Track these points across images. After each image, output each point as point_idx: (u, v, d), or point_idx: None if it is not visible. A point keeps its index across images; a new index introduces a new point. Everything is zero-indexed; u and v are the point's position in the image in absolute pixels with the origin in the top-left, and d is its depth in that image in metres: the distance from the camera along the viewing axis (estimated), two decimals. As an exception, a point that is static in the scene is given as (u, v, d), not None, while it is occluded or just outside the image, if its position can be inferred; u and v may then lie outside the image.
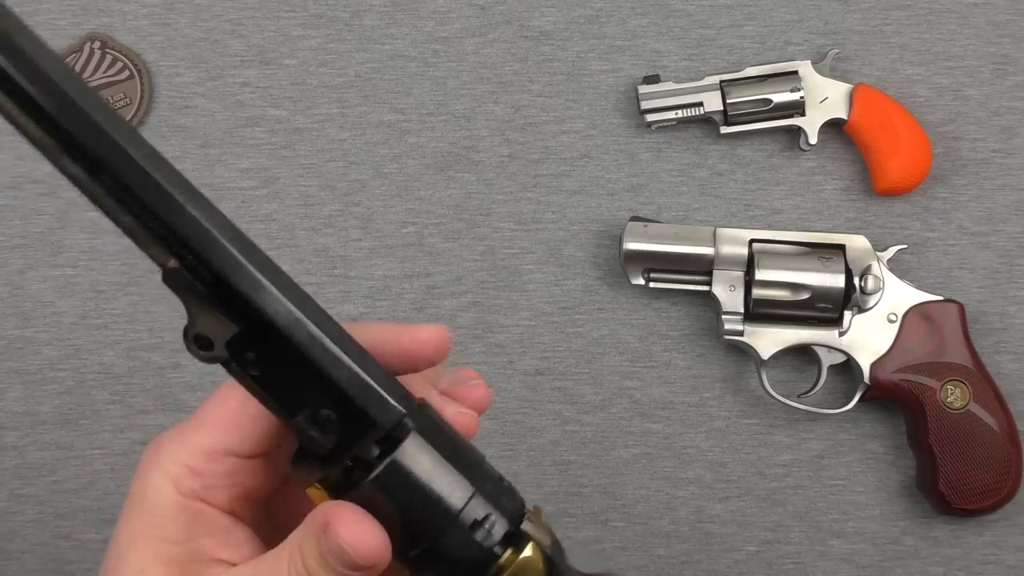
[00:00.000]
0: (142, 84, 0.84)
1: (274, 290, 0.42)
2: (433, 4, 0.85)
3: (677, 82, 0.82)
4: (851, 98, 0.81)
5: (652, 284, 0.80)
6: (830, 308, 0.77)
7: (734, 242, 0.79)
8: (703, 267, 0.79)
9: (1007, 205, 0.84)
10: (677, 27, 0.85)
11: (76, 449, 0.83)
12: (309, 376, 0.41)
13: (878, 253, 0.79)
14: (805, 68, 0.82)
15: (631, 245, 0.79)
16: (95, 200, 0.39)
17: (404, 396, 0.41)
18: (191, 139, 0.85)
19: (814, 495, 0.82)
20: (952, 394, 0.78)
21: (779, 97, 0.81)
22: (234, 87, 0.85)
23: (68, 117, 0.37)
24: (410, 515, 0.41)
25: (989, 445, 0.78)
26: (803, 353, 0.82)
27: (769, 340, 0.79)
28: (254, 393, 0.42)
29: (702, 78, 0.82)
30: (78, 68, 0.84)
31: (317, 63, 0.85)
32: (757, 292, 0.77)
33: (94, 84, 0.84)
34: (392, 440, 0.40)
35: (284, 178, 0.85)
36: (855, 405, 0.79)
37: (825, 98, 0.82)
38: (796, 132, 0.82)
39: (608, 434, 0.83)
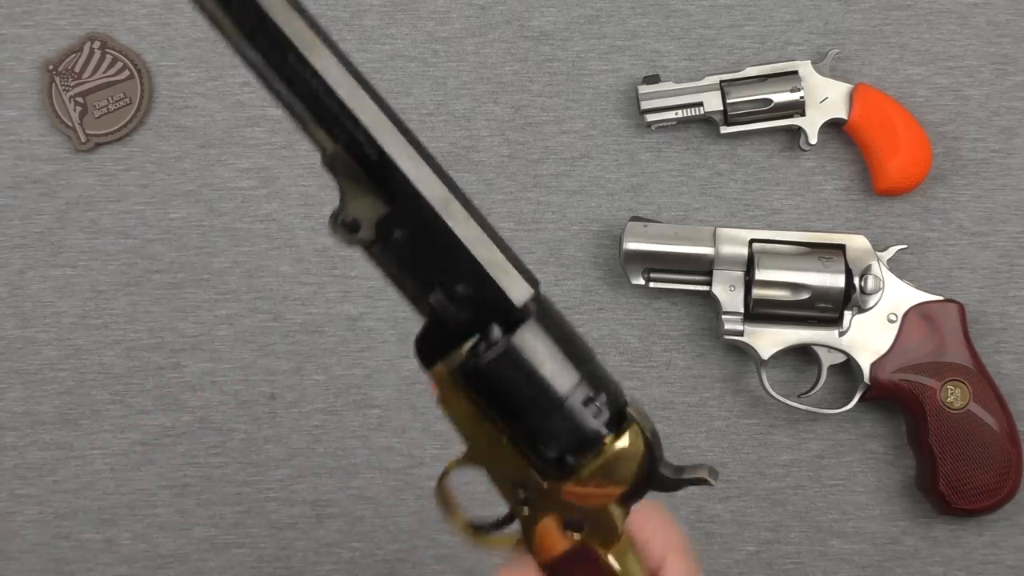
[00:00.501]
0: (142, 84, 0.84)
1: (429, 170, 0.44)
2: (433, 4, 0.85)
3: (677, 82, 0.82)
4: (851, 98, 0.81)
5: (652, 284, 0.80)
6: (830, 308, 0.77)
7: (734, 242, 0.79)
8: (703, 267, 0.79)
9: (1007, 205, 0.84)
10: (677, 27, 0.85)
11: (76, 449, 0.83)
12: (450, 254, 0.44)
13: (878, 253, 0.79)
14: (805, 68, 0.82)
15: (631, 245, 0.79)
16: (271, 87, 0.42)
17: (533, 280, 0.45)
18: (191, 139, 0.85)
19: (814, 495, 0.82)
20: (952, 394, 0.78)
21: (779, 97, 0.81)
22: (234, 87, 0.85)
23: (249, 8, 0.41)
24: (525, 391, 0.44)
25: (989, 445, 0.78)
26: (803, 353, 0.82)
27: (769, 340, 0.79)
28: (391, 275, 0.45)
29: (702, 78, 0.82)
30: (78, 68, 0.84)
31: (317, 63, 0.85)
32: (757, 292, 0.77)
33: (94, 84, 0.84)
34: (516, 321, 0.44)
35: (284, 178, 0.85)
36: (855, 405, 0.80)
37: (825, 98, 0.82)
38: (796, 132, 0.82)
39: (608, 434, 0.83)
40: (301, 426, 0.83)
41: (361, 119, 0.42)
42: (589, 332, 0.83)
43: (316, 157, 0.88)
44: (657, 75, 0.82)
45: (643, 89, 0.82)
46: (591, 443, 0.45)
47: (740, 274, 0.79)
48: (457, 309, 0.44)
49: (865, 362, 0.79)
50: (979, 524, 0.82)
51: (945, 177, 0.84)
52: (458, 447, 0.50)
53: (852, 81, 0.82)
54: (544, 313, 0.45)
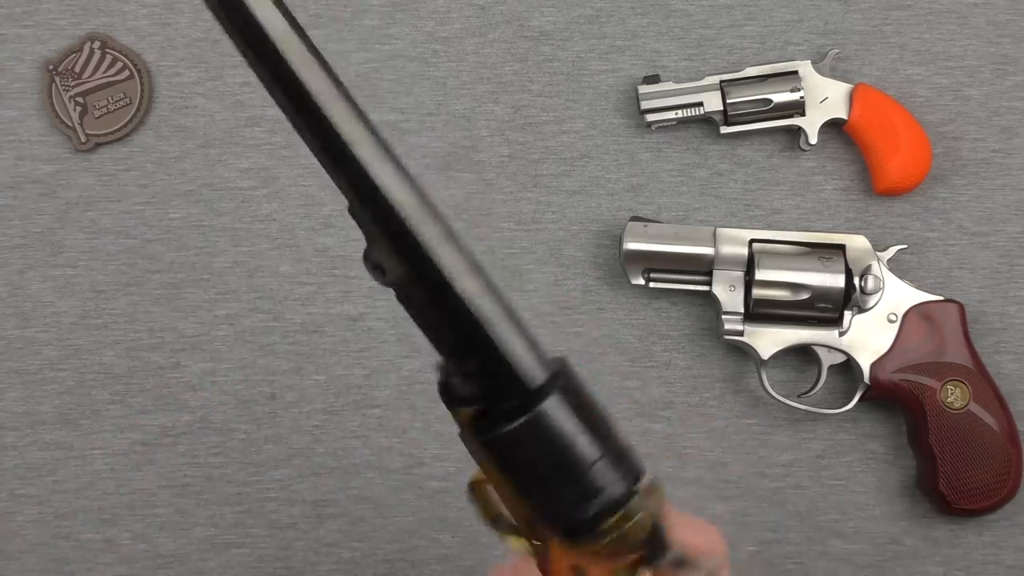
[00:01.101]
0: (142, 84, 0.84)
1: (450, 250, 0.44)
2: (433, 4, 0.85)
3: (677, 82, 0.82)
4: (851, 98, 0.81)
5: (652, 284, 0.80)
6: (830, 308, 0.77)
7: (734, 242, 0.79)
8: (703, 267, 0.79)
9: (1007, 205, 0.84)
10: (677, 27, 0.85)
11: (76, 449, 0.83)
12: (462, 326, 0.43)
13: (878, 253, 0.79)
14: (805, 68, 0.82)
15: (631, 245, 0.79)
16: (300, 135, 0.44)
17: (549, 363, 0.44)
18: (191, 139, 0.85)
19: (814, 495, 0.82)
20: (952, 394, 0.78)
21: (779, 97, 0.81)
22: (234, 87, 0.85)
23: (290, 79, 0.41)
24: (538, 467, 0.44)
25: (989, 445, 0.78)
26: (803, 353, 0.82)
27: (769, 340, 0.79)
28: (416, 321, 0.45)
29: (702, 78, 0.82)
30: (78, 68, 0.84)
31: (317, 63, 0.85)
32: (757, 292, 0.77)
33: (94, 84, 0.84)
34: (529, 401, 0.43)
35: (284, 178, 0.85)
36: (855, 405, 0.80)
37: (825, 98, 0.82)
38: (796, 132, 0.82)
39: (608, 434, 0.83)
40: (301, 426, 0.83)
41: (384, 196, 0.43)
42: (589, 332, 0.83)
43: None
44: (657, 75, 0.82)
45: (643, 89, 0.82)
46: (594, 524, 0.45)
47: (740, 274, 0.79)
48: (469, 381, 0.44)
49: (865, 362, 0.79)
50: (979, 524, 0.82)
51: (945, 177, 0.84)
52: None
53: (852, 81, 0.82)
54: (565, 390, 0.44)
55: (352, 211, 0.44)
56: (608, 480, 0.44)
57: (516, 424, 0.43)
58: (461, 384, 0.44)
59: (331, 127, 0.42)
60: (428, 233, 0.43)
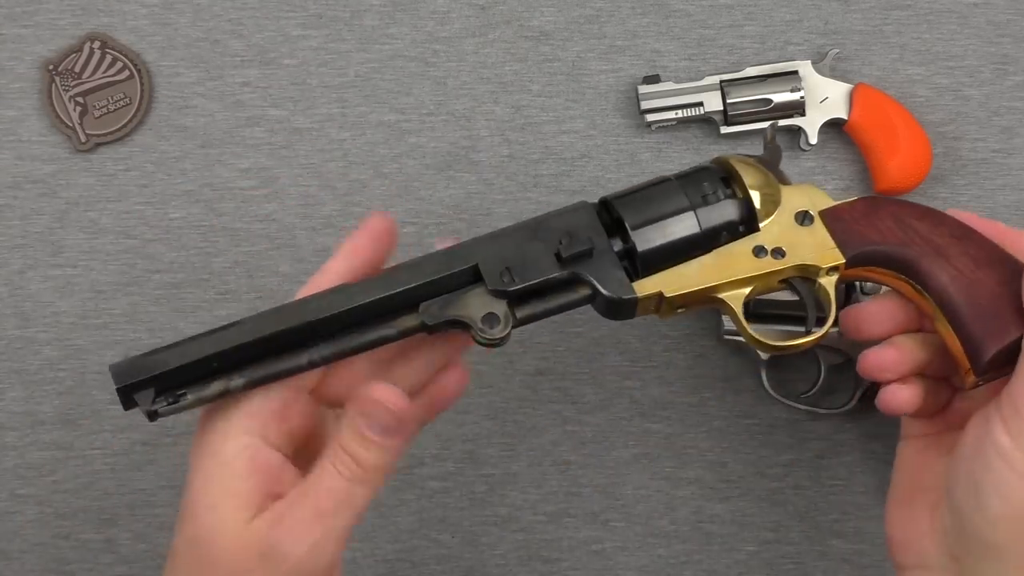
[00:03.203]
0: (142, 84, 0.84)
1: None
2: (433, 4, 0.85)
3: (677, 82, 0.82)
4: (851, 98, 0.81)
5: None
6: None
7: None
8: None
9: (1007, 205, 0.84)
10: (677, 27, 0.85)
11: (76, 449, 0.83)
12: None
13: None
14: (805, 68, 0.82)
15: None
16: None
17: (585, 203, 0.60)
18: (191, 139, 0.85)
19: (814, 495, 0.82)
20: (952, 394, 0.78)
21: (779, 97, 0.81)
22: (234, 87, 0.85)
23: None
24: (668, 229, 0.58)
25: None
26: (803, 353, 0.82)
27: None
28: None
29: (702, 78, 0.82)
30: (78, 68, 0.84)
31: (317, 63, 0.85)
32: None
33: (94, 84, 0.84)
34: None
35: (284, 178, 0.85)
36: (855, 405, 0.79)
37: (825, 98, 0.82)
38: (796, 132, 0.82)
39: (608, 434, 0.83)
40: (301, 426, 0.83)
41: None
42: (589, 332, 0.83)
43: (316, 157, 0.88)
44: (657, 75, 0.82)
45: (643, 89, 0.82)
46: (732, 192, 0.58)
47: (740, 274, 0.78)
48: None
49: (865, 362, 0.79)
50: (979, 524, 0.82)
51: (945, 177, 0.84)
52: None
53: (852, 81, 0.82)
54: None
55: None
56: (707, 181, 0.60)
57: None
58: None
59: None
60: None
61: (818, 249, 0.58)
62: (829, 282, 0.59)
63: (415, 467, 0.83)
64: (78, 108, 0.84)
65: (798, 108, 0.81)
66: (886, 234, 0.58)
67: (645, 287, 0.57)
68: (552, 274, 0.55)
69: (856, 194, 0.83)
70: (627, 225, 0.57)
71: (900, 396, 0.59)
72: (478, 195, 0.84)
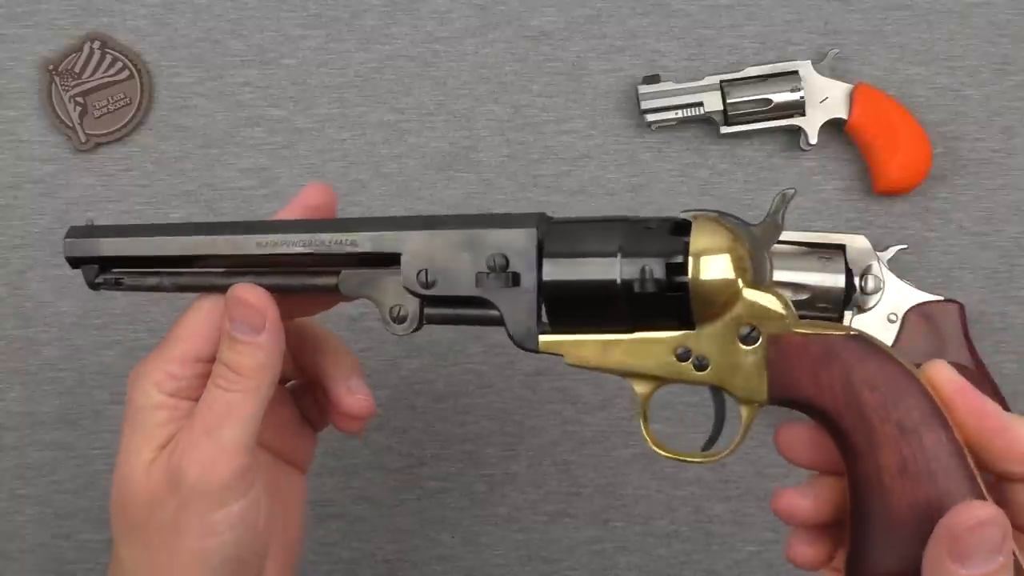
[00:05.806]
0: (142, 84, 0.84)
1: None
2: (433, 4, 0.85)
3: (677, 82, 0.82)
4: (851, 98, 0.81)
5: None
6: (830, 308, 0.77)
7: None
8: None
9: (1007, 205, 0.84)
10: (677, 27, 0.85)
11: (76, 449, 0.83)
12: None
13: (878, 253, 0.79)
14: (805, 68, 0.82)
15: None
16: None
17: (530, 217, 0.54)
18: (191, 139, 0.85)
19: (814, 495, 0.82)
20: (952, 394, 0.78)
21: (779, 97, 0.81)
22: (234, 87, 0.85)
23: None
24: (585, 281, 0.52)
25: (989, 445, 0.78)
26: (803, 353, 0.82)
27: (769, 340, 0.79)
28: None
29: (702, 78, 0.82)
30: (78, 68, 0.84)
31: (317, 63, 0.85)
32: (757, 292, 0.77)
33: (94, 84, 0.84)
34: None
35: (284, 178, 0.85)
36: (855, 405, 0.79)
37: (825, 98, 0.82)
38: (796, 132, 0.82)
39: (608, 434, 0.83)
40: (301, 426, 0.83)
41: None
42: (589, 332, 0.83)
43: (316, 157, 0.88)
44: (657, 75, 0.82)
45: (643, 89, 0.82)
46: (674, 250, 0.50)
47: (740, 274, 0.78)
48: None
49: (865, 362, 0.78)
50: (979, 524, 0.82)
51: (945, 177, 0.84)
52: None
53: (852, 81, 0.82)
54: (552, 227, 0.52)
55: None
56: (647, 223, 0.52)
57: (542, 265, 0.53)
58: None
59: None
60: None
61: (746, 377, 0.51)
62: (747, 410, 0.52)
63: (415, 467, 0.83)
64: (78, 108, 0.84)
65: (798, 108, 0.81)
66: (825, 394, 0.50)
67: (549, 345, 0.52)
68: (465, 293, 0.53)
69: (856, 196, 0.83)
70: (544, 251, 0.52)
71: (800, 552, 0.53)
72: (478, 195, 0.84)
